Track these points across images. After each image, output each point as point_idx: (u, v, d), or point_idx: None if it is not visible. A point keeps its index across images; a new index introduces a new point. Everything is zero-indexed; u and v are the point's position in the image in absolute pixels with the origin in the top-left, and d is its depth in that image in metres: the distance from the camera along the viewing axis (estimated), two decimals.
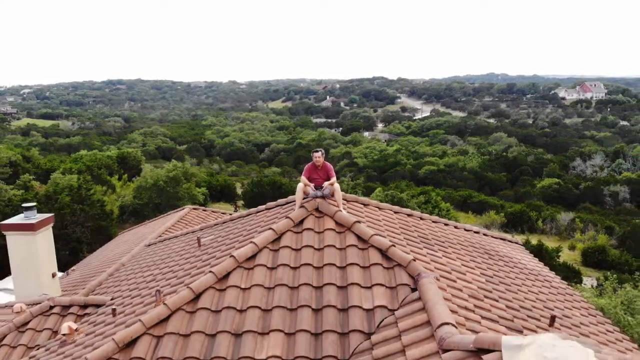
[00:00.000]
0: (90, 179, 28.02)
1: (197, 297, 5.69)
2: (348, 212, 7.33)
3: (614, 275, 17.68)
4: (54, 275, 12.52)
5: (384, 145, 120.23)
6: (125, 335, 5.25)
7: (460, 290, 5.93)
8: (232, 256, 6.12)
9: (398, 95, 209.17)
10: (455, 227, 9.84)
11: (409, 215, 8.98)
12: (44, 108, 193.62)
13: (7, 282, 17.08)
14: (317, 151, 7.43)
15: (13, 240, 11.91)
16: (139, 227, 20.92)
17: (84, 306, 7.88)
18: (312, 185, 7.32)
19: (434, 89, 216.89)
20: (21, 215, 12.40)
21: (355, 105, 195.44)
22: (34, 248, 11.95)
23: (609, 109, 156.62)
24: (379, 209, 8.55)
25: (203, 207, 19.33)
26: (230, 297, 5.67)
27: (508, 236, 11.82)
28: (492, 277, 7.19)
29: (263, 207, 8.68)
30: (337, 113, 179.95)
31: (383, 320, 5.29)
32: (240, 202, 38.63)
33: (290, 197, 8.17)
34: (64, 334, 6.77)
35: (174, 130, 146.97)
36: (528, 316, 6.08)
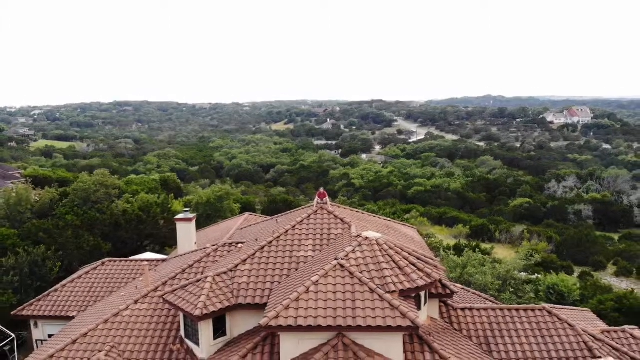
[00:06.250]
0: (167, 196, 42.78)
1: (286, 232, 20.41)
2: (332, 208, 22.04)
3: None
4: (195, 243, 27.18)
5: (379, 167, 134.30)
6: (269, 240, 19.92)
7: (365, 229, 20.67)
8: (295, 220, 20.86)
9: (395, 118, 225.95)
10: (379, 218, 24.59)
11: (357, 211, 23.80)
12: (56, 129, 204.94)
13: (141, 256, 31.58)
14: (322, 189, 22.14)
15: (181, 226, 26.55)
16: (210, 228, 35.54)
17: (237, 243, 22.50)
18: (319, 199, 22.01)
19: (430, 112, 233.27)
20: (181, 214, 27.06)
21: (354, 128, 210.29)
22: (189, 230, 26.65)
23: (592, 133, 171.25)
24: (344, 208, 23.34)
25: (255, 214, 34.02)
26: (297, 232, 20.48)
27: (408, 224, 26.54)
28: (380, 230, 21.87)
29: (299, 208, 23.45)
30: (337, 135, 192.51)
31: (338, 236, 20.00)
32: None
33: (311, 203, 22.91)
34: (239, 248, 21.40)
35: (185, 152, 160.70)
36: None
